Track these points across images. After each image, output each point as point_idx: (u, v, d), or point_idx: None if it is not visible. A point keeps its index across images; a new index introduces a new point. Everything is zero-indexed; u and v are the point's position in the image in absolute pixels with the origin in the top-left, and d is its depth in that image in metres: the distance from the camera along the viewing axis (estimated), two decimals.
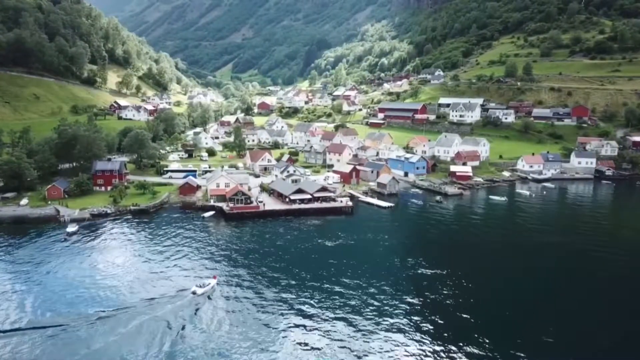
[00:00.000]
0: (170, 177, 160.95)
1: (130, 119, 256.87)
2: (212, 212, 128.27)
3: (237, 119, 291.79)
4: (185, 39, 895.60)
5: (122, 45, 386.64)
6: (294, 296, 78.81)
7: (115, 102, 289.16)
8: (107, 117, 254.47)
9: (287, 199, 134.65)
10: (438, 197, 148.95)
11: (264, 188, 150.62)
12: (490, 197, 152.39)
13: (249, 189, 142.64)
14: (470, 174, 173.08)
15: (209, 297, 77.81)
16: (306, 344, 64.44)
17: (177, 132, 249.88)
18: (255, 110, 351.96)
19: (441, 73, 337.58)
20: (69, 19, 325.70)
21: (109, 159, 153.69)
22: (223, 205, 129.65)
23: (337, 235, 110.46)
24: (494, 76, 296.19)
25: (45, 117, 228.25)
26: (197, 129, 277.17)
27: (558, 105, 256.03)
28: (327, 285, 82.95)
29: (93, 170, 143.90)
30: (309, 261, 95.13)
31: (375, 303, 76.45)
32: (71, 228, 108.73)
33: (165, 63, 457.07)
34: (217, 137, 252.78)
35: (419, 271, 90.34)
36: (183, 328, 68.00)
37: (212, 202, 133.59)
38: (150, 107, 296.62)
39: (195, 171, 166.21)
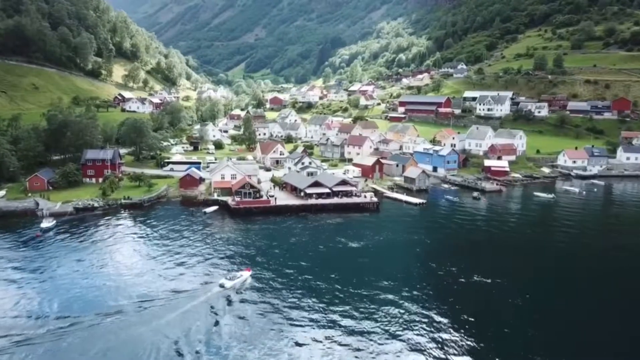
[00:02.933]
0: (172, 170, 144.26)
1: (134, 112, 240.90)
2: (215, 207, 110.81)
3: (247, 111, 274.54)
4: (198, 40, 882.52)
5: (130, 38, 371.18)
6: (316, 302, 63.39)
7: (120, 94, 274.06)
8: (110, 110, 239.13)
9: (302, 194, 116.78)
10: (475, 194, 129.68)
11: (275, 182, 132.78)
12: (535, 194, 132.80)
13: (259, 182, 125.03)
14: (507, 169, 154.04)
15: (237, 292, 65.84)
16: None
17: (184, 124, 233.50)
18: (267, 105, 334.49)
19: (464, 67, 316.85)
20: (74, 9, 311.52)
21: (102, 148, 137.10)
22: (228, 199, 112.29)
23: (362, 235, 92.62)
24: (522, 69, 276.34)
25: (44, 107, 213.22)
26: (205, 123, 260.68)
27: (595, 98, 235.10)
28: (355, 291, 66.67)
29: (82, 160, 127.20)
30: (332, 263, 77.85)
31: (408, 313, 60.38)
32: (46, 223, 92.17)
33: (175, 58, 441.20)
34: (225, 131, 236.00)
35: (470, 280, 71.57)
36: (217, 323, 57.99)
37: (215, 196, 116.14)
38: (156, 100, 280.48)
39: (199, 163, 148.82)
